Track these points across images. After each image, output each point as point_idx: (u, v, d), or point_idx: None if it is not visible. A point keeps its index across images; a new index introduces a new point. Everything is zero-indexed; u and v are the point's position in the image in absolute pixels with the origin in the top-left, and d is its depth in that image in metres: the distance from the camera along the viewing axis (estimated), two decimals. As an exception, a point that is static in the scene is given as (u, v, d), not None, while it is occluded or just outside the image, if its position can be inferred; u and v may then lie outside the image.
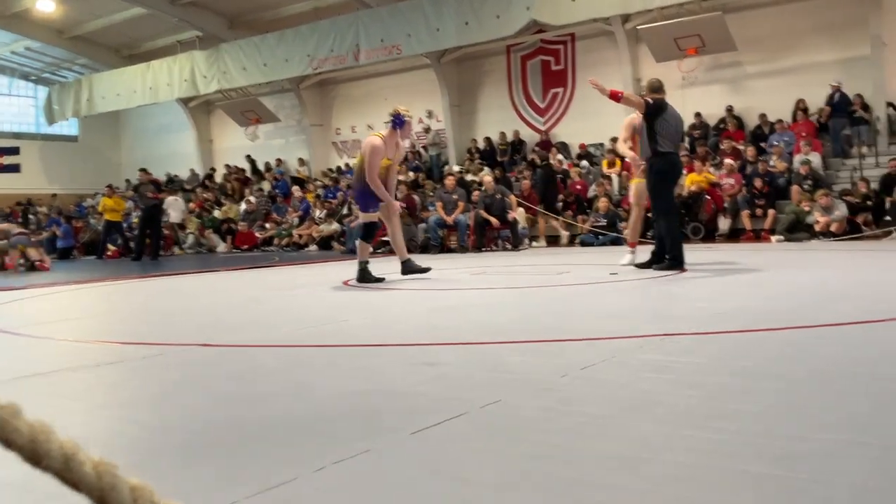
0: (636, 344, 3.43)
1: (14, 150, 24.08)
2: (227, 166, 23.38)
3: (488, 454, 1.95)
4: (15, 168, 23.78)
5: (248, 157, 23.23)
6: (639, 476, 1.74)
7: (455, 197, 13.97)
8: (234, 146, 23.69)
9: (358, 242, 7.68)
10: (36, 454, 0.63)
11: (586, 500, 1.61)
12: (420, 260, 8.15)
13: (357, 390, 2.75)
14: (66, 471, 0.64)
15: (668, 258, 7.36)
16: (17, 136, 25.63)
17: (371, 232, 7.63)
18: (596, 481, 1.72)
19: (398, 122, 7.60)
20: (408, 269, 7.50)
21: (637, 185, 8.15)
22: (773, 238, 12.24)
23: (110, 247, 18.06)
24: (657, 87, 7.66)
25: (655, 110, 7.28)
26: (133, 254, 16.08)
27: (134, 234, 17.34)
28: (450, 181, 14.45)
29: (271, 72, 20.16)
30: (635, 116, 7.89)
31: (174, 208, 18.78)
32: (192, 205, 21.48)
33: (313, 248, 16.90)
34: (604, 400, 2.45)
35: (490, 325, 4.32)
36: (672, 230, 7.39)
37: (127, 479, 0.66)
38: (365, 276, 7.31)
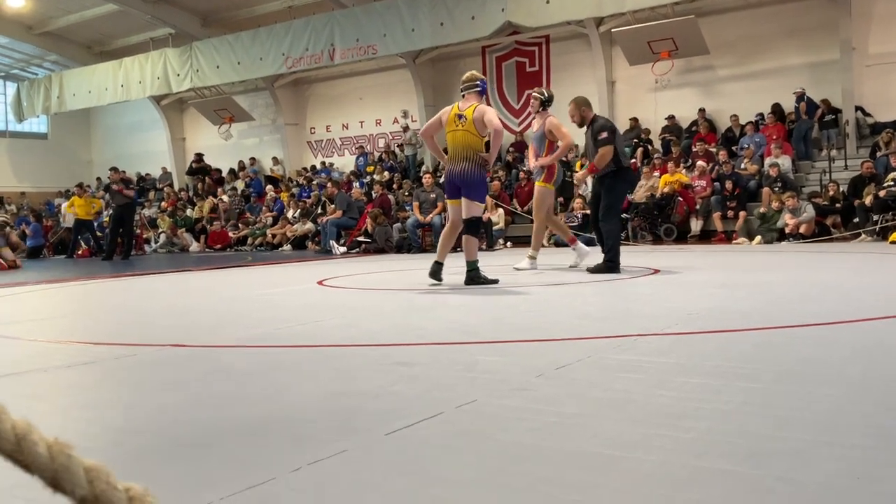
0: (610, 344, 3.46)
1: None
2: (195, 167, 23.12)
3: (464, 454, 1.96)
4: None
5: (199, 155, 23.10)
6: (612, 474, 1.76)
7: (433, 196, 13.97)
8: (208, 145, 23.50)
9: (465, 239, 6.70)
10: None
11: (561, 499, 1.63)
12: (397, 259, 8.11)
13: (332, 391, 2.75)
14: (18, 451, 0.62)
15: (606, 261, 7.36)
16: (-15, 132, 25.27)
17: (479, 226, 6.84)
18: (570, 480, 1.74)
19: (486, 86, 6.86)
20: (474, 277, 6.62)
21: (541, 190, 8.10)
22: (754, 241, 12.35)
23: (82, 245, 17.86)
24: (590, 104, 7.84)
25: (615, 135, 7.45)
26: (104, 253, 15.91)
27: (105, 234, 17.16)
28: (427, 179, 14.45)
29: (245, 70, 20.03)
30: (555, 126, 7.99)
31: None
32: (164, 203, 21.29)
33: (287, 247, 16.82)
34: (578, 399, 2.47)
35: (465, 325, 4.34)
36: (618, 236, 7.48)
37: (82, 459, 0.65)
38: (476, 279, 6.55)
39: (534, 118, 8.17)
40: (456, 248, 7.18)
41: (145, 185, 23.98)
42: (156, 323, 5.16)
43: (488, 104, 7.73)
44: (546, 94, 8.23)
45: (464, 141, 6.55)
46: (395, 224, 14.73)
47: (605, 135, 7.31)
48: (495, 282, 6.63)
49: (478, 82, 6.73)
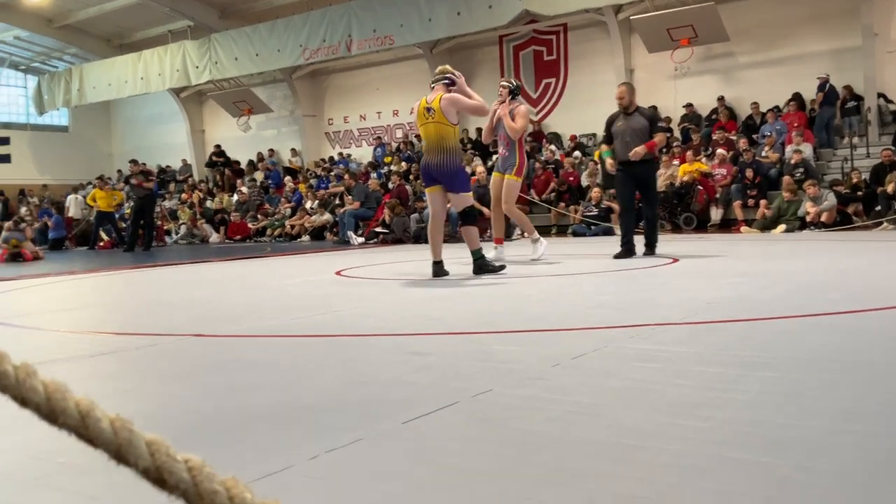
0: (627, 333, 3.45)
1: (4, 141, 23.89)
2: (214, 158, 23.27)
3: (480, 443, 1.97)
4: (5, 158, 23.60)
5: (218, 147, 23.27)
6: (629, 464, 1.76)
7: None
8: (227, 137, 23.61)
9: (465, 230, 6.71)
10: (52, 412, 0.65)
11: (578, 488, 1.63)
12: (415, 250, 8.12)
13: (349, 380, 2.77)
14: (83, 427, 0.66)
15: (650, 245, 7.96)
16: (7, 126, 25.43)
17: (475, 215, 6.84)
18: (587, 469, 1.73)
19: (455, 81, 6.72)
20: (482, 266, 6.64)
21: (511, 182, 8.12)
22: (776, 230, 12.21)
23: (103, 236, 18.03)
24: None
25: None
26: (125, 245, 16.05)
27: (127, 225, 17.33)
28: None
29: (263, 62, 20.09)
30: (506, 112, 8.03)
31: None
32: (184, 195, 21.43)
33: (306, 238, 16.89)
34: (595, 389, 2.47)
35: (481, 314, 4.34)
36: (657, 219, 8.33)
37: (142, 433, 0.68)
38: (484, 268, 6.56)
39: (503, 107, 8.18)
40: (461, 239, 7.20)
41: (165, 177, 24.13)
42: (176, 313, 5.20)
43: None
44: (514, 84, 8.36)
45: (436, 132, 6.52)
46: (413, 214, 14.74)
47: (662, 123, 8.16)
48: (503, 268, 6.71)
49: (447, 76, 6.71)
